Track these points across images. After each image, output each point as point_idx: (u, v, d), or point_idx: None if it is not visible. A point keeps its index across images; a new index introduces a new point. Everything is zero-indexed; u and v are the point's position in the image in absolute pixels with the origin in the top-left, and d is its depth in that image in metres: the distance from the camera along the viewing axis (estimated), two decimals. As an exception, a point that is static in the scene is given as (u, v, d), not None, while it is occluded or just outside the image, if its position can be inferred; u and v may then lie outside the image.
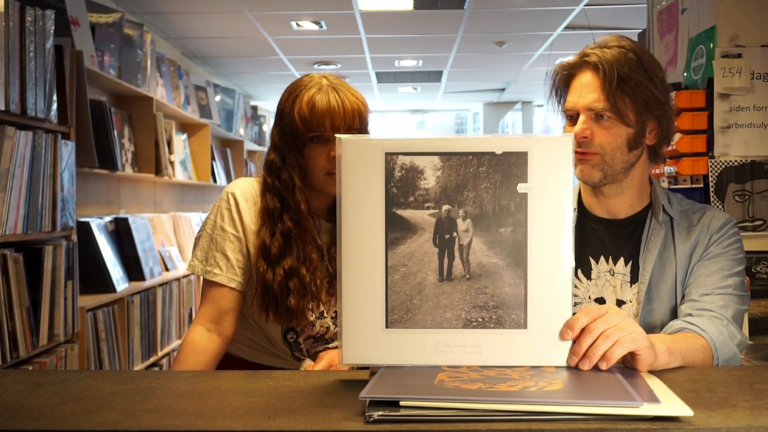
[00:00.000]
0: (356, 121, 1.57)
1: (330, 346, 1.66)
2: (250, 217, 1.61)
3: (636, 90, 1.42)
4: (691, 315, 1.39)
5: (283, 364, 1.66)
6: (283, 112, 1.60)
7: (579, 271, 1.53)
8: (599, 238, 1.54)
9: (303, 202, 1.58)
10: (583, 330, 1.10)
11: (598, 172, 1.46)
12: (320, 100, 1.54)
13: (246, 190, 1.63)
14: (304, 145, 1.57)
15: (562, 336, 1.10)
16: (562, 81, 1.51)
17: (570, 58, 1.51)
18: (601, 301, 1.50)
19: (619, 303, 1.49)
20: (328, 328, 1.64)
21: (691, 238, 1.49)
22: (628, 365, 1.15)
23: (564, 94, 1.50)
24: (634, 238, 1.52)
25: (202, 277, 1.63)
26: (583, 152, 1.45)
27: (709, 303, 1.40)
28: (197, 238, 1.65)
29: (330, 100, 1.54)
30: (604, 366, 1.09)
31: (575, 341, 1.11)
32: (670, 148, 2.66)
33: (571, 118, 1.48)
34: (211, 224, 1.63)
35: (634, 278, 1.50)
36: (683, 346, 1.26)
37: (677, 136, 2.62)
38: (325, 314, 1.63)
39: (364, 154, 1.12)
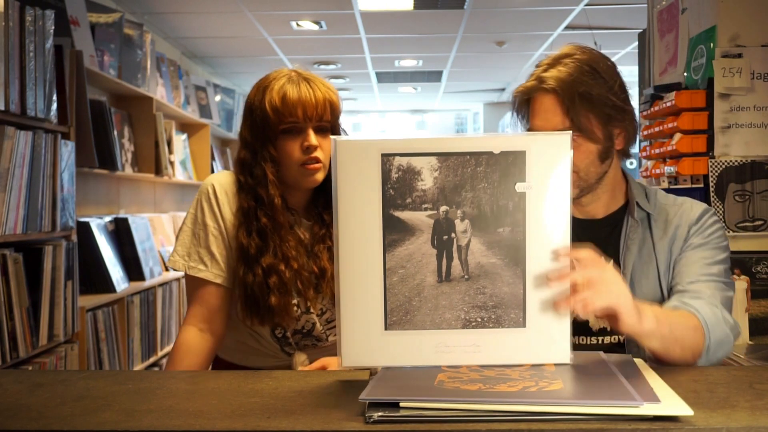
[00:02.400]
0: (328, 112, 1.55)
1: (320, 345, 1.63)
2: (230, 209, 1.58)
3: (598, 105, 1.42)
4: (683, 301, 1.39)
5: (274, 362, 1.63)
6: (252, 107, 1.58)
7: None
8: (579, 240, 1.53)
9: (277, 197, 1.55)
10: (575, 266, 1.10)
11: (575, 190, 1.46)
12: (291, 90, 1.53)
13: (225, 182, 1.60)
14: (276, 138, 1.55)
15: (548, 281, 1.10)
16: (523, 104, 1.50)
17: (526, 81, 1.49)
18: None
19: None
20: (314, 324, 1.61)
21: (669, 232, 1.49)
22: (612, 325, 1.15)
23: (527, 117, 1.50)
24: (614, 237, 1.52)
25: (185, 274, 1.60)
26: None
27: (696, 291, 1.39)
28: (178, 234, 1.62)
29: (301, 89, 1.53)
30: (580, 310, 1.09)
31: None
32: (670, 148, 2.66)
33: None
34: (191, 218, 1.60)
35: None
36: (673, 320, 1.25)
37: (677, 136, 2.62)
38: (311, 310, 1.60)
39: (360, 156, 1.11)
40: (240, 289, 1.56)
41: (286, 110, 1.52)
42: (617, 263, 1.49)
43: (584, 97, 1.41)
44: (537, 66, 1.50)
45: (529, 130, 1.49)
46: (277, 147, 1.55)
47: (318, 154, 1.54)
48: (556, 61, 1.46)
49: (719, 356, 1.33)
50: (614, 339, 1.48)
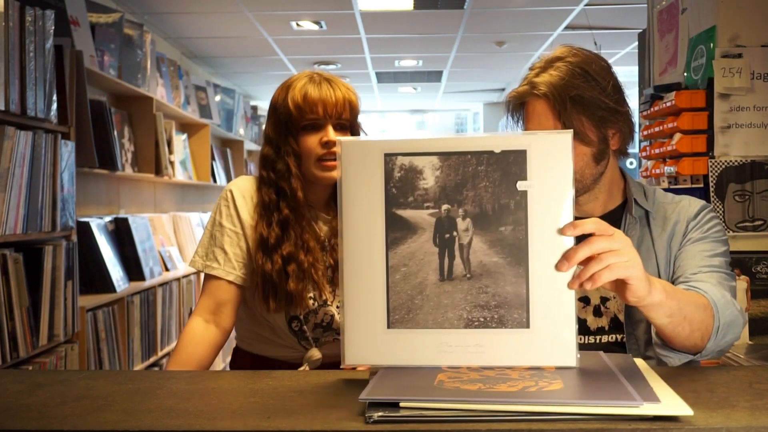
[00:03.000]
0: (347, 111, 1.64)
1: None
2: (248, 212, 1.68)
3: (590, 108, 1.42)
4: (690, 285, 1.36)
5: (291, 353, 1.70)
6: (276, 105, 1.67)
7: None
8: (578, 238, 1.52)
9: (299, 190, 1.64)
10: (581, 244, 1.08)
11: None
12: (312, 88, 1.63)
13: (243, 186, 1.70)
14: (298, 133, 1.64)
15: (558, 268, 1.08)
16: (517, 108, 1.51)
17: (519, 85, 1.50)
18: (585, 300, 1.50)
19: (604, 300, 1.50)
20: (332, 316, 1.67)
21: (667, 229, 1.50)
22: (619, 295, 1.13)
23: (522, 121, 1.51)
24: None
25: (203, 274, 1.70)
26: None
27: (700, 280, 1.37)
28: (201, 236, 1.72)
29: (322, 88, 1.63)
30: (589, 286, 1.07)
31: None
32: (670, 148, 2.66)
33: None
34: (211, 221, 1.70)
35: None
36: (682, 296, 1.22)
37: (677, 136, 2.62)
38: (329, 303, 1.67)
39: (364, 155, 1.12)
40: (258, 277, 1.63)
41: (308, 107, 1.61)
42: None
43: (576, 101, 1.42)
44: (530, 69, 1.51)
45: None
46: (299, 142, 1.64)
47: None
48: (548, 65, 1.47)
49: (728, 340, 1.29)
50: (612, 338, 1.48)
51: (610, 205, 1.54)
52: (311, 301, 1.65)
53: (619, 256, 1.07)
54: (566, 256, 1.08)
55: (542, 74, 1.46)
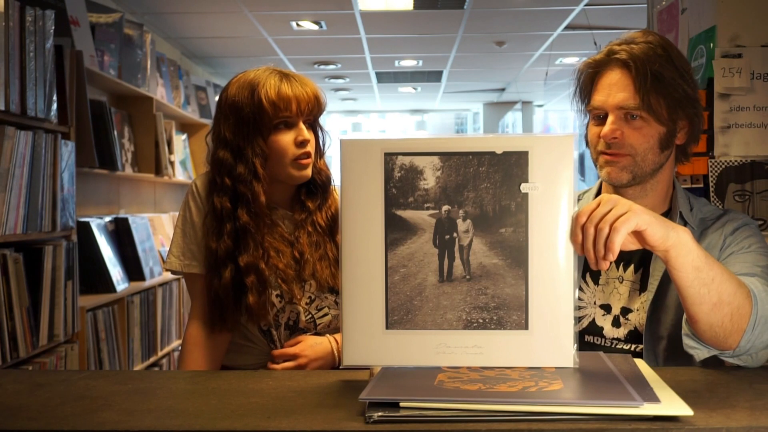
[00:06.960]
0: (317, 107, 1.59)
1: (308, 335, 1.62)
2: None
3: (669, 88, 1.36)
4: None
5: (257, 361, 1.62)
6: (239, 105, 1.56)
7: (587, 275, 1.48)
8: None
9: (262, 194, 1.56)
10: (582, 234, 1.09)
11: (627, 174, 1.40)
12: (285, 86, 1.56)
13: (205, 180, 1.63)
14: (269, 133, 1.56)
15: (578, 252, 1.10)
16: (588, 79, 1.44)
17: (595, 54, 1.45)
18: (607, 307, 1.46)
19: (626, 311, 1.44)
20: (298, 314, 1.60)
21: (703, 243, 1.41)
22: (644, 246, 1.12)
23: (589, 93, 1.44)
24: None
25: (183, 273, 1.62)
26: (613, 153, 1.39)
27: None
28: (173, 236, 1.65)
29: (293, 85, 1.57)
30: (611, 257, 1.07)
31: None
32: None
33: (598, 117, 1.42)
34: (181, 219, 1.64)
35: (643, 287, 1.43)
36: (715, 261, 1.16)
37: (677, 136, 2.62)
38: (294, 300, 1.59)
39: (364, 155, 1.12)
40: (207, 295, 1.57)
41: (283, 104, 1.54)
42: (646, 270, 1.44)
43: (656, 76, 1.36)
44: (606, 46, 1.45)
45: (587, 106, 1.44)
46: (269, 143, 1.56)
47: (309, 148, 1.58)
48: (629, 40, 1.41)
49: (765, 340, 1.20)
50: (628, 346, 1.43)
51: (657, 212, 1.40)
52: (278, 299, 1.59)
53: (613, 216, 1.08)
54: (574, 240, 1.10)
55: (623, 46, 1.40)
